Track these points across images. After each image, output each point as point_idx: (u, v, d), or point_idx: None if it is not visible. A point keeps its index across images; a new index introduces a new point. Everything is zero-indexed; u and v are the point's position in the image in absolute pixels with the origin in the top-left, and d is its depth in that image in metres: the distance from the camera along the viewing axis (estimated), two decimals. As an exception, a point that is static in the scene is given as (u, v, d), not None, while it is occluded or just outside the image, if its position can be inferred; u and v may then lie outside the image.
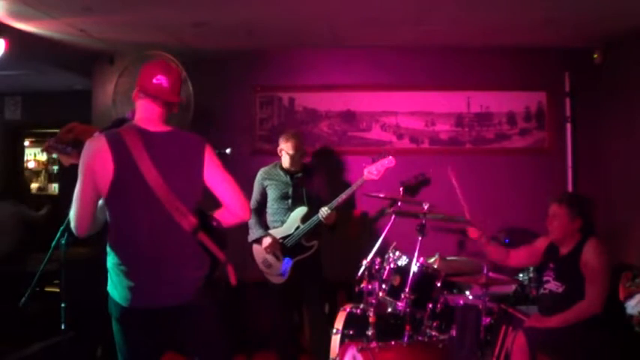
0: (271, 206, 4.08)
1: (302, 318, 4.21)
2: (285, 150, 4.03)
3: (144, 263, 2.25)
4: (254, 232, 4.06)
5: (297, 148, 4.00)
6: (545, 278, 3.38)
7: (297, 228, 3.97)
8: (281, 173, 4.08)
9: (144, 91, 2.32)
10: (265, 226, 4.09)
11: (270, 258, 4.01)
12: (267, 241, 3.98)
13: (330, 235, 4.08)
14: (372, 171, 3.91)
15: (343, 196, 3.90)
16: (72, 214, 2.25)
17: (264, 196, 4.11)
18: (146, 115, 2.33)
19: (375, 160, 3.95)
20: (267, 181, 4.10)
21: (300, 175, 4.07)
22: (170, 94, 2.35)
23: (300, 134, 4.18)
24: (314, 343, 4.05)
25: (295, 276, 3.98)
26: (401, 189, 3.93)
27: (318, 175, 4.21)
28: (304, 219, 3.96)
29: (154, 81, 2.31)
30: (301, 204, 4.01)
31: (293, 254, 3.98)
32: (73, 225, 2.26)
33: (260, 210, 4.12)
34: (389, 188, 3.96)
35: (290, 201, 4.02)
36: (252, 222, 4.05)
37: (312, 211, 3.95)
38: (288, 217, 4.01)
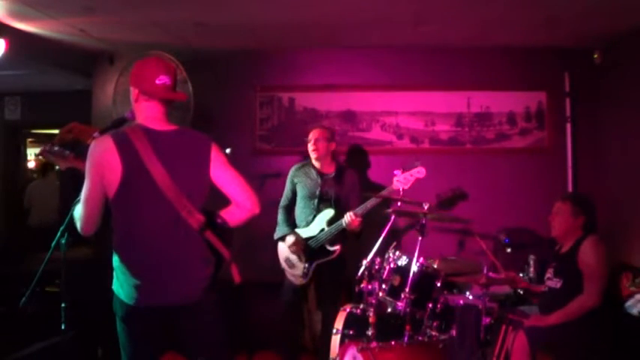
0: (298, 204, 4.04)
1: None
2: (307, 140, 4.00)
3: (151, 262, 2.25)
4: (279, 230, 4.03)
5: (313, 135, 3.96)
6: (546, 276, 3.41)
7: (322, 230, 3.88)
8: (312, 171, 4.01)
9: (149, 93, 2.31)
10: (293, 225, 4.03)
11: (294, 257, 3.95)
12: (290, 239, 3.94)
13: (355, 242, 3.95)
14: (401, 180, 3.80)
15: (369, 204, 3.77)
16: (79, 214, 2.26)
17: (294, 193, 4.06)
18: (150, 114, 2.33)
19: (405, 170, 3.83)
20: (297, 178, 4.04)
21: (331, 175, 3.99)
22: (174, 91, 2.36)
23: (327, 128, 4.10)
24: (320, 344, 4.03)
25: (315, 279, 3.94)
26: (401, 189, 3.88)
27: (352, 179, 4.05)
28: (330, 222, 3.86)
29: (158, 82, 2.30)
30: (328, 206, 3.92)
31: (315, 257, 3.90)
32: (79, 225, 2.27)
33: (289, 208, 4.08)
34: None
35: (316, 201, 3.94)
36: (280, 219, 4.05)
37: (340, 214, 3.84)
38: (312, 218, 3.94)
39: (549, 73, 5.01)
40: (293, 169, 4.11)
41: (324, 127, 4.09)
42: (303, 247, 3.91)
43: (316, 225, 3.92)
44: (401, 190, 3.77)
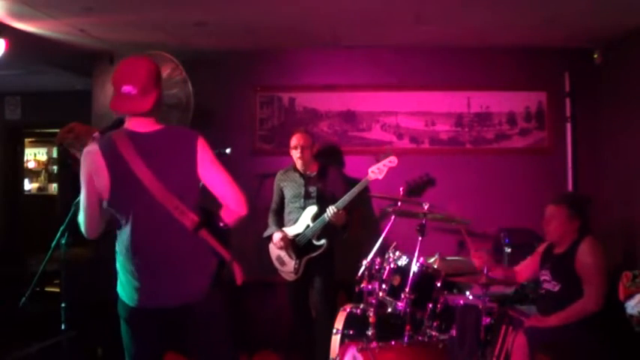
0: (287, 206, 4.19)
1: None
2: (290, 144, 4.14)
3: (148, 264, 2.25)
4: (268, 230, 4.18)
5: (298, 139, 4.10)
6: (542, 278, 3.39)
7: (307, 227, 4.03)
8: (296, 174, 4.18)
9: (113, 108, 2.29)
10: (282, 226, 4.18)
11: (284, 255, 4.10)
12: (276, 236, 4.07)
13: (343, 234, 4.11)
14: (375, 171, 4.00)
15: (348, 197, 3.94)
16: (81, 219, 2.29)
17: (281, 197, 4.23)
18: (134, 118, 2.32)
19: (379, 160, 4.04)
20: (283, 182, 4.22)
21: (313, 174, 4.16)
22: (141, 100, 2.25)
23: (306, 131, 4.26)
24: (315, 342, 4.06)
25: (306, 274, 4.06)
26: (401, 189, 3.92)
27: (334, 175, 4.25)
28: (314, 218, 4.02)
29: (123, 92, 2.26)
30: (313, 203, 4.08)
31: (303, 253, 4.04)
32: (83, 229, 2.30)
33: (279, 211, 4.24)
34: (391, 188, 3.98)
35: (303, 200, 4.10)
36: (270, 221, 4.21)
37: (323, 210, 4.00)
38: (299, 217, 4.10)
39: (549, 73, 5.01)
40: (279, 174, 4.29)
41: (305, 133, 4.22)
42: (291, 244, 4.06)
43: (302, 222, 4.07)
44: (372, 177, 3.98)
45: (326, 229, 4.01)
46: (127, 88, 2.25)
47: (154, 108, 2.31)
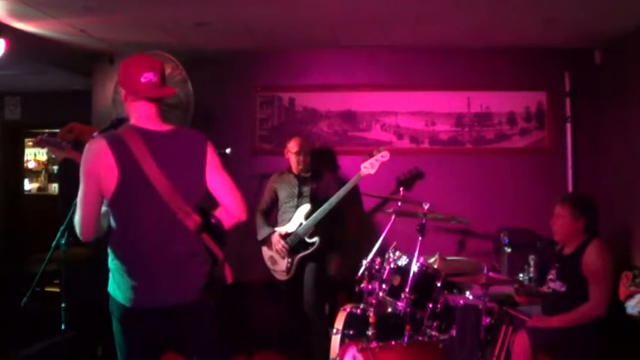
0: (281, 207, 4.24)
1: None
2: (289, 149, 4.22)
3: (148, 263, 2.24)
4: (261, 231, 4.21)
5: (301, 145, 4.19)
6: (549, 277, 3.40)
7: (300, 225, 4.07)
8: (290, 176, 4.26)
9: (135, 93, 2.28)
10: (272, 226, 4.22)
11: (276, 255, 4.14)
12: (274, 238, 4.12)
13: (339, 229, 4.19)
14: (368, 166, 4.06)
15: (341, 192, 4.01)
16: (77, 220, 2.22)
17: (273, 198, 4.29)
18: (142, 114, 2.30)
19: (372, 156, 4.11)
20: (277, 184, 4.28)
21: (307, 176, 4.24)
22: (161, 88, 2.31)
23: (304, 136, 4.43)
24: (310, 342, 4.07)
25: (299, 273, 4.08)
26: (401, 189, 3.93)
27: (328, 177, 4.34)
28: (307, 216, 4.06)
29: (143, 80, 2.25)
30: (307, 202, 4.12)
31: (296, 251, 4.07)
32: (78, 231, 2.23)
33: (268, 211, 4.30)
34: (388, 187, 4.01)
35: (296, 200, 4.16)
36: (259, 222, 4.24)
37: (316, 208, 4.05)
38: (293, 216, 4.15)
39: (549, 73, 5.01)
40: (273, 176, 4.36)
41: (304, 138, 4.35)
42: (285, 243, 4.10)
43: (295, 221, 4.12)
44: (365, 172, 4.06)
45: (319, 227, 4.04)
46: (148, 76, 2.26)
47: (168, 106, 2.34)
